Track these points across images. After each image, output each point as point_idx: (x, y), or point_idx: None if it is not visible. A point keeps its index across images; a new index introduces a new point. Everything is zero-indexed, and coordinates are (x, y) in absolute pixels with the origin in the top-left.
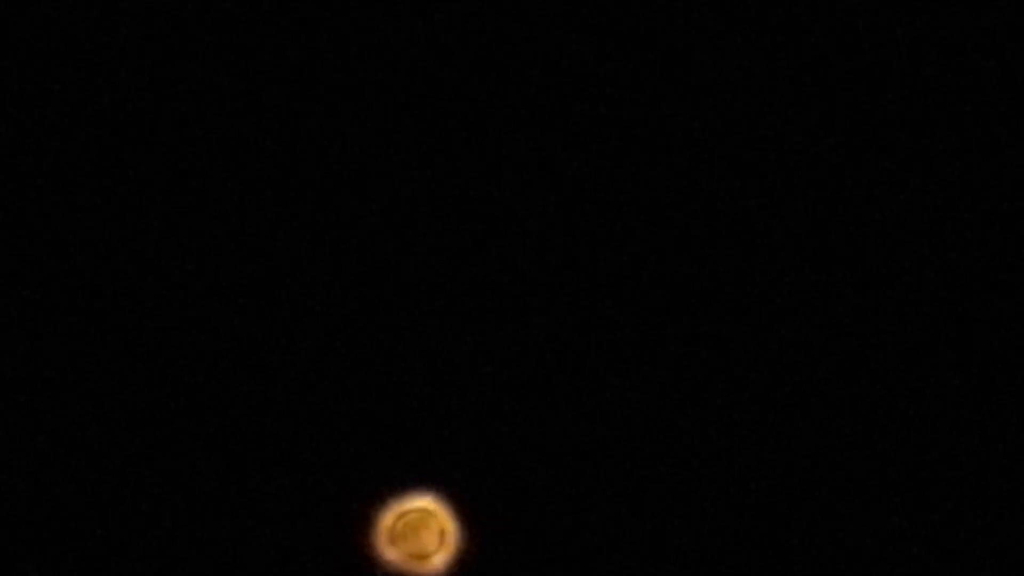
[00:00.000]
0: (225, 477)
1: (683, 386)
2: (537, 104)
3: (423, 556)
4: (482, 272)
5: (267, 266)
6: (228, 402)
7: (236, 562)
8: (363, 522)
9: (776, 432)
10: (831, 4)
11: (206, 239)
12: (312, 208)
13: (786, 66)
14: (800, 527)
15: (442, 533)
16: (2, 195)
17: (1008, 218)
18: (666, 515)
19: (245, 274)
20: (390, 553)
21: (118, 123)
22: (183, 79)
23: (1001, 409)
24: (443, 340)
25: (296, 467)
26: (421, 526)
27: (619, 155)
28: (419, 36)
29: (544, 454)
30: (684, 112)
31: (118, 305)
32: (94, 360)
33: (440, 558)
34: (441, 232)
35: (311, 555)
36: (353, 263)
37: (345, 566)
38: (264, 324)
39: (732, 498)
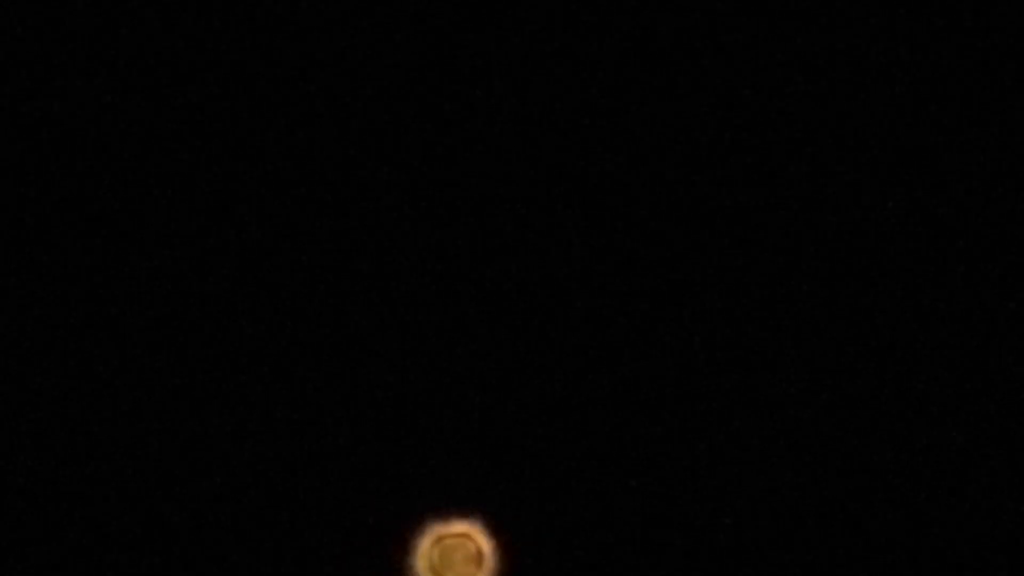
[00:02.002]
0: (265, 502)
1: (716, 420)
2: (537, 105)
3: None
4: (509, 308)
5: (320, 299)
6: (269, 429)
7: None
8: (401, 547)
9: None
10: (831, 4)
11: (266, 272)
12: (363, 238)
13: (786, 66)
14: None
15: (479, 557)
16: (2, 195)
17: (1008, 218)
18: (700, 544)
19: (297, 303)
20: None
21: (119, 123)
22: (183, 79)
23: (1000, 409)
24: (481, 368)
25: (336, 493)
26: (458, 550)
27: (619, 156)
28: (418, 36)
29: (579, 480)
30: (684, 112)
31: (164, 347)
32: (133, 393)
33: None
34: (498, 273)
35: None
36: (403, 304)
37: None
38: (305, 353)
39: (760, 514)
